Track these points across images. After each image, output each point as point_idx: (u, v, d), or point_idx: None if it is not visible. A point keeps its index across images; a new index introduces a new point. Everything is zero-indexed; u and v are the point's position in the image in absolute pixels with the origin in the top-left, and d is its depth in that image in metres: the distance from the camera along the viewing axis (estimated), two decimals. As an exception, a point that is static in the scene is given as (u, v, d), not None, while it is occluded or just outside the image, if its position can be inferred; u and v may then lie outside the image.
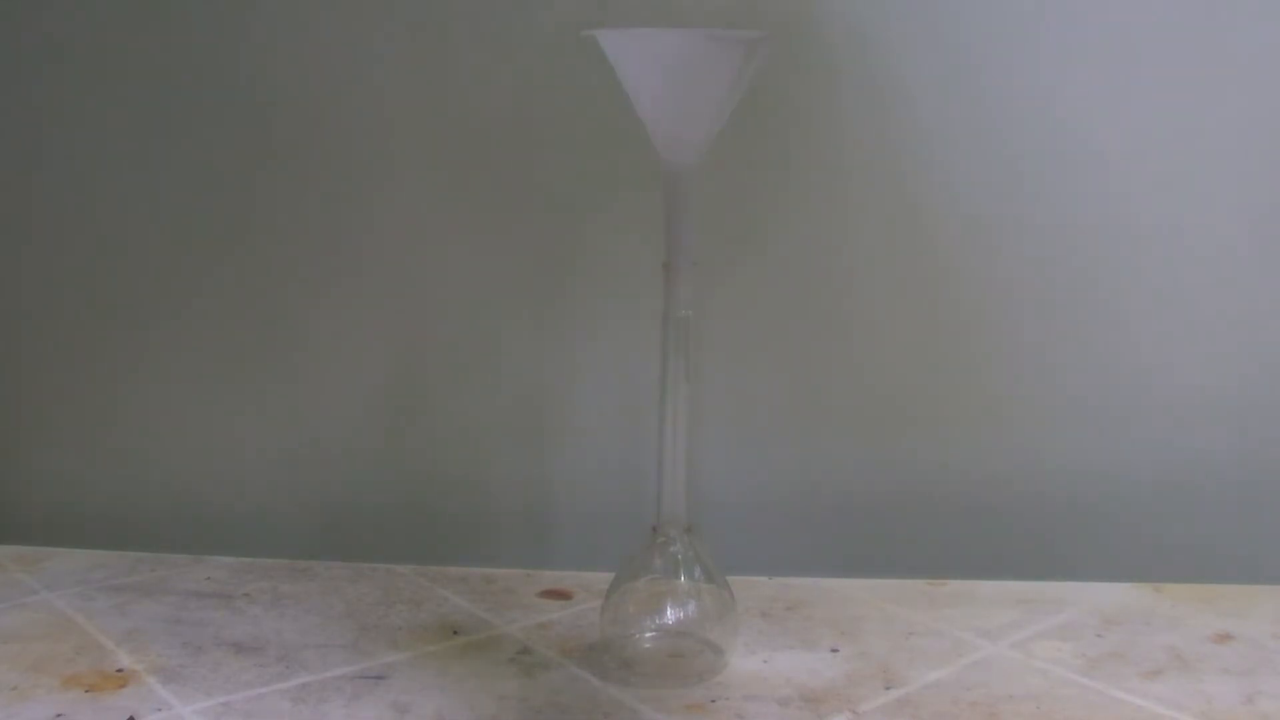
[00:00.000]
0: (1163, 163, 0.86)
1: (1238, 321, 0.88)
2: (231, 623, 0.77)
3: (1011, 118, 0.86)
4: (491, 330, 0.90)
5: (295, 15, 0.88)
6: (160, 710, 0.66)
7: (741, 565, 0.80)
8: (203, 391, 0.93)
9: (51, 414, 0.94)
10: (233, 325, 0.92)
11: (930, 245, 0.88)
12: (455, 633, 0.76)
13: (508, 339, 0.91)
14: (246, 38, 0.88)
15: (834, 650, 0.74)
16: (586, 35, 0.64)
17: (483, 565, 0.88)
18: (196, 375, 0.93)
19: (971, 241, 0.88)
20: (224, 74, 0.89)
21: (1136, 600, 0.83)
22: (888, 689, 0.69)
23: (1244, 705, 0.67)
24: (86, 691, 0.67)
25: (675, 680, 0.69)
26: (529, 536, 0.92)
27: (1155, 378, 0.89)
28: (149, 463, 0.94)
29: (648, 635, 0.72)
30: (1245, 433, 0.89)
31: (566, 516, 0.91)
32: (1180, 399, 0.89)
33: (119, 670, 0.70)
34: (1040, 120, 0.86)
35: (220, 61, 0.89)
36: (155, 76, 0.89)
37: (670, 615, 0.71)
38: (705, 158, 0.67)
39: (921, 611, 0.80)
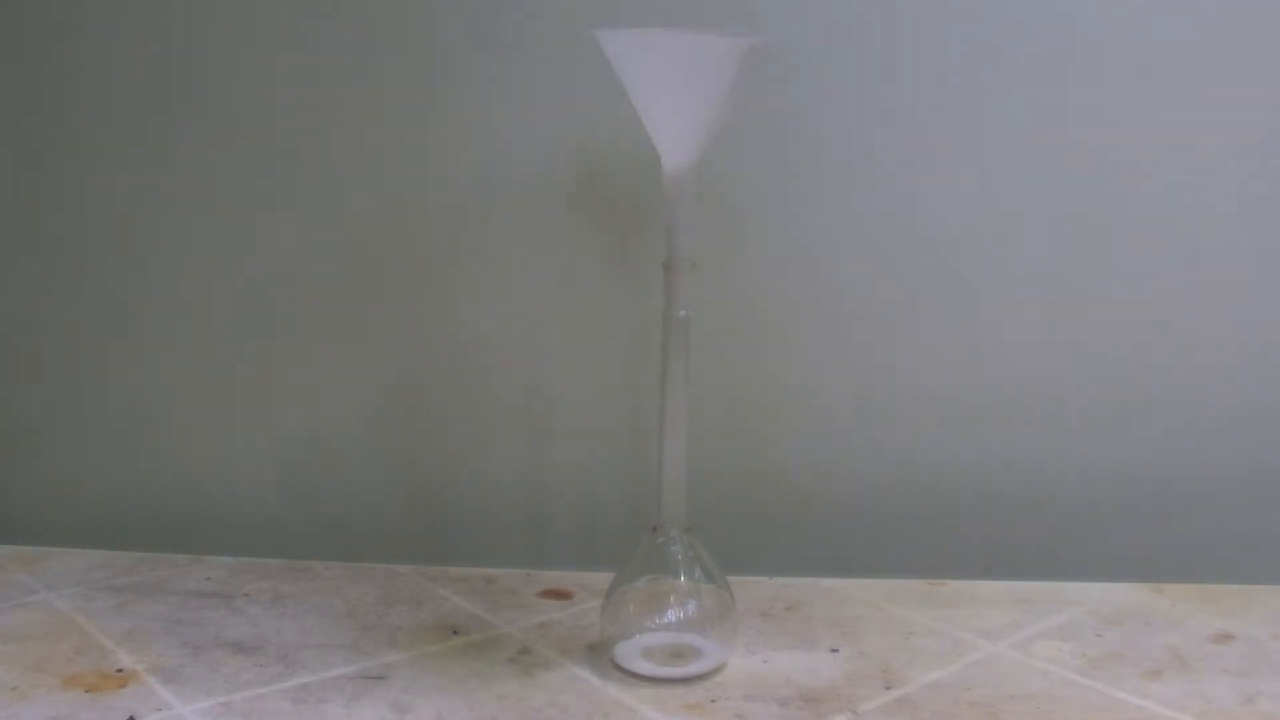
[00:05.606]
0: (1162, 163, 0.86)
1: (1238, 322, 0.88)
2: (231, 623, 0.77)
3: (1014, 118, 0.86)
4: (491, 330, 0.90)
5: (296, 20, 0.88)
6: (160, 710, 0.66)
7: (741, 565, 0.80)
8: (203, 392, 0.93)
9: (52, 414, 0.94)
10: (233, 326, 0.92)
11: (932, 245, 0.88)
12: (455, 633, 0.76)
13: (508, 338, 0.91)
14: (242, 40, 0.88)
15: (834, 650, 0.74)
16: (588, 35, 0.64)
17: (483, 565, 0.88)
18: (197, 376, 0.93)
19: (972, 241, 0.88)
20: (225, 77, 0.89)
21: (1136, 600, 0.83)
22: (888, 689, 0.69)
23: (1244, 705, 0.67)
24: (86, 691, 0.67)
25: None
26: (529, 536, 0.92)
27: (1156, 378, 0.89)
28: (149, 463, 0.94)
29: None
30: (1245, 433, 0.89)
31: (566, 516, 0.91)
32: (1180, 400, 0.89)
33: (119, 670, 0.70)
34: (1044, 121, 0.86)
35: (221, 64, 0.89)
36: (156, 81, 0.89)
37: (670, 615, 0.71)
38: (704, 158, 0.67)
39: (921, 611, 0.80)
